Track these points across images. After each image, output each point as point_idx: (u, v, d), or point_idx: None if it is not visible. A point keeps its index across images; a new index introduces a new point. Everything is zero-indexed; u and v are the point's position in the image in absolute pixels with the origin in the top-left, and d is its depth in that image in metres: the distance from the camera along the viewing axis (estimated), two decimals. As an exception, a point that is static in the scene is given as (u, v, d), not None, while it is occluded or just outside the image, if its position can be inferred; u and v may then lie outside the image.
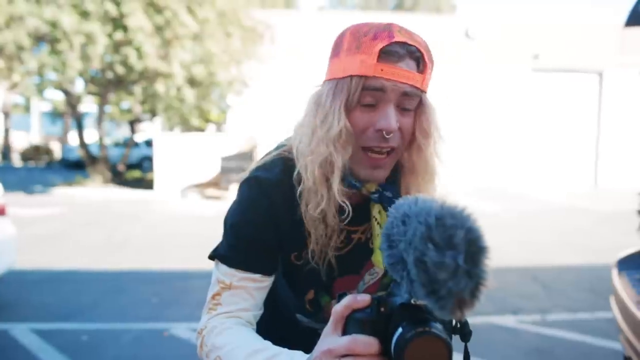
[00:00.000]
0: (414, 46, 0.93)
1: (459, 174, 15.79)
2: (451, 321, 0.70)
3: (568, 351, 3.88)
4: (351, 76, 0.92)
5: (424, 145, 0.98)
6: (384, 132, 0.92)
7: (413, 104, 0.95)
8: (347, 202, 0.96)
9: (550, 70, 17.96)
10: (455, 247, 0.57)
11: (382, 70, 0.91)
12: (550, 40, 17.51)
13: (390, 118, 0.92)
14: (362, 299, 0.71)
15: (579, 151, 18.30)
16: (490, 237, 0.60)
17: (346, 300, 0.72)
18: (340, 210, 0.98)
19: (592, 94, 18.32)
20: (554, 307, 4.87)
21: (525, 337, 4.16)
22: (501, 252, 6.90)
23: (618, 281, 2.86)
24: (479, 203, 12.29)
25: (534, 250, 7.49)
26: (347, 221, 1.00)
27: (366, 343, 0.68)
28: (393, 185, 1.02)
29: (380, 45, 0.91)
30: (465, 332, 0.71)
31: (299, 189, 0.97)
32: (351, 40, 0.94)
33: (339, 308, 0.72)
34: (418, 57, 0.94)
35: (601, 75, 18.18)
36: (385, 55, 0.91)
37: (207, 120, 20.07)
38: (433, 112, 0.98)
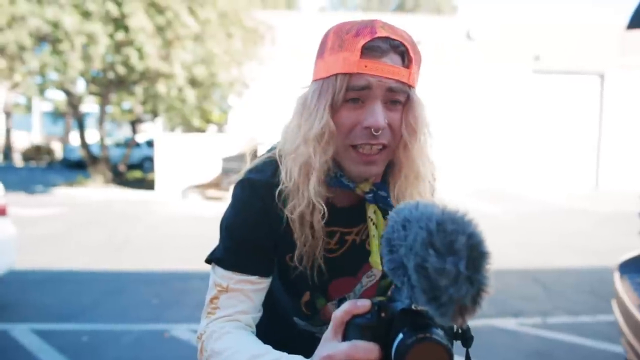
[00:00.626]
0: (398, 41, 0.91)
1: (459, 175, 15.77)
2: (452, 326, 0.70)
3: (569, 354, 3.87)
4: (336, 75, 0.91)
5: (411, 142, 0.95)
6: (372, 130, 0.90)
7: (401, 99, 0.93)
8: (323, 203, 0.95)
9: (551, 71, 17.94)
10: (456, 253, 0.57)
11: (365, 66, 0.89)
12: (552, 42, 17.49)
13: (377, 114, 0.90)
14: (362, 305, 0.70)
15: (580, 153, 18.28)
16: (490, 239, 0.59)
17: (346, 306, 0.71)
18: (329, 211, 0.96)
19: (593, 96, 18.29)
20: (554, 310, 4.86)
21: (526, 339, 4.15)
22: (501, 254, 6.88)
23: (620, 284, 2.85)
24: (479, 204, 12.27)
25: (534, 252, 7.48)
26: (340, 222, 0.99)
27: (366, 349, 0.68)
28: (386, 184, 1.00)
29: (362, 41, 0.89)
30: (466, 337, 0.71)
31: (278, 189, 0.96)
32: (334, 39, 0.93)
33: (339, 313, 0.71)
34: (403, 52, 0.92)
35: (602, 77, 18.15)
36: (368, 51, 0.90)
37: (208, 121, 20.07)
38: (421, 109, 0.96)
